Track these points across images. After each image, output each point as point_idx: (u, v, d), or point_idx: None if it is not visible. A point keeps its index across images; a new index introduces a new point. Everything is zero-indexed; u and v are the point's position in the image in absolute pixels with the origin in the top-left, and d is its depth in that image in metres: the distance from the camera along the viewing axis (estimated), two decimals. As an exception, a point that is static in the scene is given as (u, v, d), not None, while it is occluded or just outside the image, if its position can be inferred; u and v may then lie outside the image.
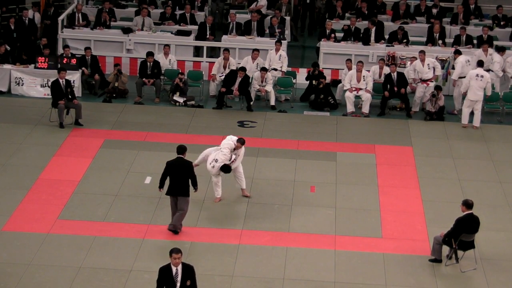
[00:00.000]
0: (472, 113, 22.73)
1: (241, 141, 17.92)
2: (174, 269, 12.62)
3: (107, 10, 27.44)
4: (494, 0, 29.37)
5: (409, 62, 24.87)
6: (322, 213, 17.49)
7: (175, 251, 12.62)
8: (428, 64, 23.91)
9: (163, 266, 12.76)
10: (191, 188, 16.25)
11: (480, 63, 22.99)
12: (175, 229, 16.33)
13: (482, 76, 22.58)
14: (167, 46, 25.01)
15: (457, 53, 24.25)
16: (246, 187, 18.17)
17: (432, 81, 23.84)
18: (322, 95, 23.78)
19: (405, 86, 23.56)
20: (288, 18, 28.45)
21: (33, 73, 23.96)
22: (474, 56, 24.35)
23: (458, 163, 20.43)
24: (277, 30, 26.60)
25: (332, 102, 23.80)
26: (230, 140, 17.93)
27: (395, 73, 23.54)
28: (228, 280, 14.80)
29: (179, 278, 12.59)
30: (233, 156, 17.82)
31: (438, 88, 23.20)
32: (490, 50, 24.65)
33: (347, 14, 28.66)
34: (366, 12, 28.10)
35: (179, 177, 16.19)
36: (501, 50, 24.56)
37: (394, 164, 20.18)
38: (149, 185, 18.45)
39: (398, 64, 24.46)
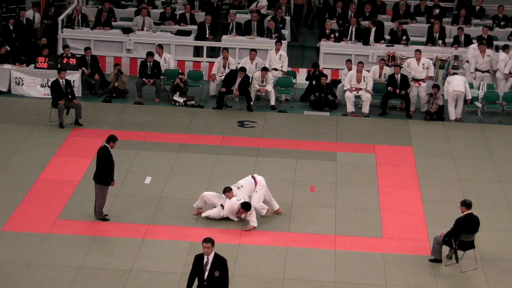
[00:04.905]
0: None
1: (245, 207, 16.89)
2: (205, 258, 12.83)
3: (106, 10, 27.43)
4: (495, 0, 29.38)
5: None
6: (322, 213, 17.48)
7: (205, 240, 12.82)
8: (423, 64, 23.96)
9: (199, 253, 12.94)
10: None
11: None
12: (101, 217, 16.67)
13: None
14: (158, 46, 24.95)
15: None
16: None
17: (425, 82, 23.87)
18: (322, 94, 23.75)
19: (407, 88, 23.56)
20: (288, 18, 28.43)
21: (33, 73, 23.95)
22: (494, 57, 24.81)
23: (458, 163, 20.43)
24: (273, 35, 26.47)
25: (331, 99, 23.70)
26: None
27: (399, 75, 23.56)
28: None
29: (208, 268, 12.79)
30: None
31: (436, 86, 23.22)
32: (488, 51, 24.75)
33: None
34: (368, 14, 28.06)
35: (97, 164, 16.68)
36: (505, 48, 24.61)
37: (394, 164, 20.18)
38: (149, 185, 18.45)
39: (399, 65, 24.43)
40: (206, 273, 12.75)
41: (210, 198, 17.08)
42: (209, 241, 12.79)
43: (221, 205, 16.88)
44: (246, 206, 16.69)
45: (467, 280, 15.19)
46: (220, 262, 12.85)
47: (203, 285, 12.77)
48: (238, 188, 17.10)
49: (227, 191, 16.97)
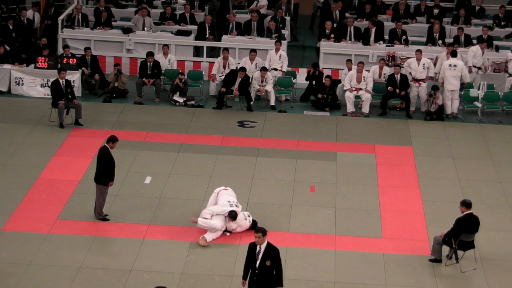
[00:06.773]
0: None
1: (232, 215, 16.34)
2: (258, 247, 12.96)
3: (103, 8, 27.40)
4: (496, 0, 29.39)
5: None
6: (322, 213, 17.48)
7: (256, 230, 12.96)
8: (424, 64, 23.95)
9: (253, 241, 13.08)
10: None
11: (453, 54, 23.63)
12: (101, 217, 16.69)
13: (455, 66, 23.25)
14: (165, 46, 25.01)
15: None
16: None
17: (425, 82, 23.86)
18: (324, 95, 23.74)
19: (406, 89, 23.56)
20: (288, 18, 28.43)
21: (33, 73, 23.95)
22: (471, 52, 24.53)
23: (458, 163, 20.43)
24: (273, 36, 26.45)
25: (330, 100, 23.68)
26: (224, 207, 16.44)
27: (399, 75, 23.56)
28: (228, 280, 14.79)
29: (260, 256, 12.93)
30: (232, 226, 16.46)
31: (435, 88, 23.23)
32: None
33: (347, 14, 28.63)
34: (368, 10, 28.07)
35: (97, 164, 16.66)
36: None
37: (394, 164, 20.18)
38: (149, 185, 18.45)
39: (400, 65, 24.43)
40: (258, 262, 12.94)
41: (218, 211, 16.37)
42: (259, 231, 12.89)
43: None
44: (255, 227, 15.42)
45: (467, 280, 15.19)
46: (272, 252, 12.96)
47: (255, 273, 12.97)
48: (237, 206, 16.56)
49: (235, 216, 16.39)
